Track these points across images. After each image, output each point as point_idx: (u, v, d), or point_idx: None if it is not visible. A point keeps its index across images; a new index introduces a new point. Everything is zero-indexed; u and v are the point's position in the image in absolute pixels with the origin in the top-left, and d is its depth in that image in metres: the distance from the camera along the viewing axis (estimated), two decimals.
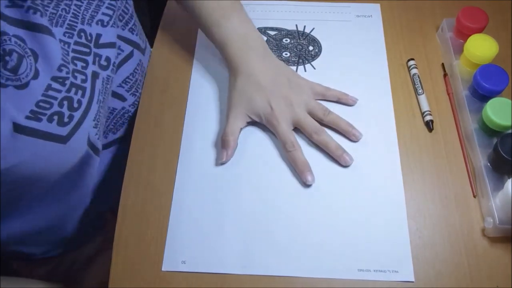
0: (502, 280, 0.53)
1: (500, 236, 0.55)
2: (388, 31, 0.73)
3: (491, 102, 0.59)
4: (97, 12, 0.57)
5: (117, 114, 0.66)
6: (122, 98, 0.66)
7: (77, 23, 0.54)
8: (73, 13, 0.53)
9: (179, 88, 0.68)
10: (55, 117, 0.49)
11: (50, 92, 0.48)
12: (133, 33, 0.66)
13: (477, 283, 0.53)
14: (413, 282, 0.53)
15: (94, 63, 0.55)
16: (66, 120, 0.50)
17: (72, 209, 0.65)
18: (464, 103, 0.63)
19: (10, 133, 0.45)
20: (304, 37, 0.73)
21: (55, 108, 0.48)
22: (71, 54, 0.53)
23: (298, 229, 0.56)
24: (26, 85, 0.46)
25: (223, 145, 0.61)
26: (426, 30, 0.73)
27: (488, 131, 0.60)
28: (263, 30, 0.73)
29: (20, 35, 0.46)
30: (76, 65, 0.52)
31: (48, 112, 0.48)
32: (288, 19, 0.75)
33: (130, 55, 0.66)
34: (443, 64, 0.70)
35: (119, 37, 0.63)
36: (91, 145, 0.57)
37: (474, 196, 0.59)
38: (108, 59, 0.58)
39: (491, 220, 0.55)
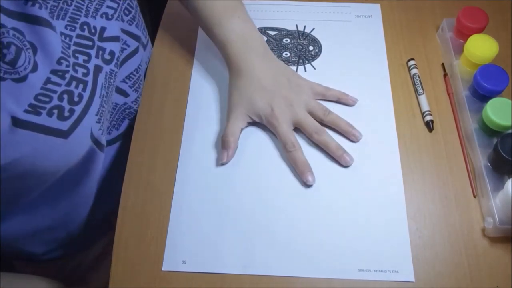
0: (502, 280, 0.53)
1: (500, 236, 0.55)
2: (388, 31, 0.73)
3: (491, 102, 0.59)
4: (102, 5, 0.57)
5: (119, 110, 0.66)
6: (125, 94, 0.66)
7: (80, 15, 0.54)
8: (75, 5, 0.53)
9: (180, 88, 0.68)
10: (55, 111, 0.48)
11: (50, 86, 0.48)
12: (138, 29, 0.66)
13: (477, 283, 0.53)
14: (413, 282, 0.53)
15: (97, 56, 0.55)
16: (66, 114, 0.49)
17: (76, 208, 0.65)
18: (464, 103, 0.63)
19: (8, 127, 0.44)
20: (304, 37, 0.73)
21: (55, 102, 0.48)
22: (73, 48, 0.52)
23: (298, 229, 0.56)
24: (24, 78, 0.45)
25: (223, 146, 0.61)
26: (426, 30, 0.73)
27: (488, 131, 0.60)
28: (263, 30, 0.73)
29: (19, 27, 0.45)
30: (77, 58, 0.52)
31: (48, 106, 0.48)
32: (288, 19, 0.75)
33: (135, 51, 0.66)
34: (443, 64, 0.70)
35: (126, 32, 0.63)
36: (95, 141, 0.57)
37: (474, 196, 0.59)
38: (112, 53, 0.57)
39: (491, 220, 0.55)
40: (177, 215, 0.57)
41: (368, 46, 0.71)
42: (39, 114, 0.47)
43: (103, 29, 0.56)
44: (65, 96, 0.49)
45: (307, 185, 0.59)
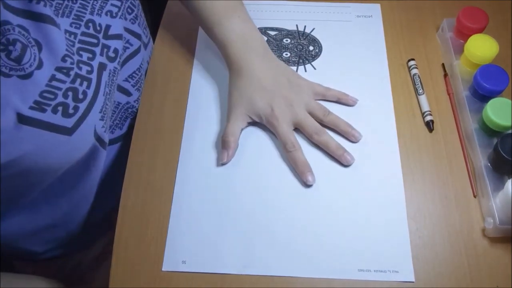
0: (502, 280, 0.53)
1: (500, 236, 0.55)
2: (389, 31, 0.73)
3: (492, 102, 0.59)
4: (106, 3, 0.57)
5: (121, 109, 0.67)
6: (128, 93, 0.67)
7: (85, 13, 0.54)
8: (80, 3, 0.53)
9: (180, 88, 0.68)
10: (60, 108, 0.48)
11: (54, 83, 0.48)
12: (140, 28, 0.66)
13: (477, 283, 0.53)
14: (413, 282, 0.53)
15: (101, 54, 0.55)
16: (71, 111, 0.49)
17: (76, 207, 0.65)
18: (464, 103, 0.63)
19: (14, 123, 0.44)
20: (304, 37, 0.73)
21: (60, 99, 0.48)
22: (77, 45, 0.52)
23: (298, 229, 0.56)
24: (30, 75, 0.46)
25: (223, 146, 0.61)
26: (426, 30, 0.73)
27: (489, 131, 0.60)
28: (263, 30, 0.73)
29: (24, 25, 0.45)
30: (81, 56, 0.52)
31: (53, 103, 0.48)
32: (288, 19, 0.75)
33: (138, 50, 0.66)
34: (443, 64, 0.70)
35: (129, 30, 0.63)
36: (98, 138, 0.57)
37: (475, 196, 0.59)
38: (116, 50, 0.58)
39: (491, 220, 0.55)
40: (177, 215, 0.57)
41: (368, 46, 0.71)
42: (44, 111, 0.47)
43: (108, 27, 0.57)
44: (70, 93, 0.49)
45: (307, 185, 0.59)
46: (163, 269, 0.54)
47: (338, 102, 0.66)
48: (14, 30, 0.44)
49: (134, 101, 0.68)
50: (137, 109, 0.68)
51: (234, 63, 0.63)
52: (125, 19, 0.62)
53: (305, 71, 0.69)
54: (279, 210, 0.58)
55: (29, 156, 0.47)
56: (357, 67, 0.69)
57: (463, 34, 0.67)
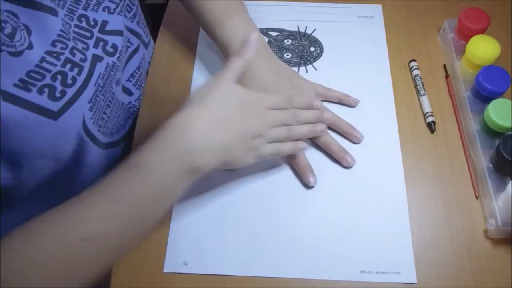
0: (504, 281, 0.53)
1: (502, 237, 0.55)
2: (390, 32, 0.73)
3: (493, 103, 0.59)
4: (103, 0, 0.58)
5: (124, 109, 0.67)
6: (129, 93, 0.67)
7: (77, 8, 0.55)
8: None
9: (181, 87, 0.68)
10: (46, 90, 0.48)
11: (44, 64, 0.48)
12: (140, 27, 0.66)
13: (479, 284, 0.53)
14: (415, 284, 0.53)
15: (96, 47, 0.56)
16: (58, 95, 0.50)
17: None
18: (466, 104, 0.63)
19: None
20: (305, 38, 0.73)
21: (47, 80, 0.49)
22: (72, 34, 0.53)
23: (300, 230, 0.56)
24: (20, 53, 0.46)
25: None
26: (428, 31, 0.73)
27: (490, 132, 0.60)
28: (264, 31, 0.73)
29: (13, 10, 0.46)
30: (76, 43, 0.53)
31: (39, 84, 0.48)
32: (289, 20, 0.75)
33: (137, 49, 0.67)
34: (445, 65, 0.69)
35: (129, 29, 0.63)
36: (87, 131, 0.56)
37: (476, 198, 0.59)
38: (114, 46, 0.58)
39: (493, 222, 0.54)
40: (179, 216, 0.57)
41: (370, 47, 0.71)
42: (29, 90, 0.47)
43: (105, 22, 0.58)
44: (59, 76, 0.50)
45: (308, 186, 0.59)
46: (164, 271, 0.54)
47: (339, 103, 0.65)
48: (3, 14, 0.45)
49: (135, 100, 0.68)
50: (138, 109, 0.68)
51: None
52: (125, 17, 0.62)
53: (306, 72, 0.69)
54: (281, 212, 0.58)
55: (14, 137, 0.47)
56: (358, 68, 0.69)
57: (465, 35, 0.67)
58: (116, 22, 0.59)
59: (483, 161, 0.58)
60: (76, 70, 0.52)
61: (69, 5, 0.54)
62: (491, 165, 0.58)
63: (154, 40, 0.74)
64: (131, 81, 0.66)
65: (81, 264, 0.46)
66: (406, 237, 0.56)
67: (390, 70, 0.69)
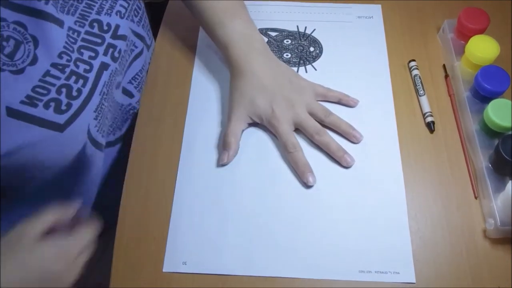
0: (503, 281, 0.53)
1: (501, 237, 0.55)
2: (389, 32, 0.73)
3: (493, 103, 0.59)
4: (116, 3, 0.58)
5: (123, 111, 0.67)
6: (130, 95, 0.67)
7: (90, 13, 0.55)
8: (86, 3, 0.54)
9: (181, 88, 0.68)
10: (52, 104, 0.49)
11: (48, 78, 0.49)
12: (144, 30, 0.67)
13: (478, 284, 0.53)
14: (414, 283, 0.53)
15: (105, 54, 0.56)
16: (63, 108, 0.50)
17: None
18: (465, 104, 0.63)
19: (3, 117, 0.45)
20: (305, 38, 0.73)
21: (53, 94, 0.49)
22: (80, 43, 0.53)
23: (299, 230, 0.56)
24: (22, 70, 0.46)
25: (224, 146, 0.61)
26: (427, 31, 0.73)
27: (490, 132, 0.60)
28: (264, 31, 0.73)
29: (22, 21, 0.46)
30: (82, 54, 0.53)
31: (45, 98, 0.48)
32: (289, 20, 0.75)
33: (141, 52, 0.67)
34: (444, 65, 0.69)
35: (135, 33, 0.64)
36: (92, 139, 0.57)
37: (476, 197, 0.59)
38: (120, 51, 0.59)
39: (492, 222, 0.54)
40: (178, 215, 0.57)
41: (369, 47, 0.71)
42: (35, 106, 0.47)
43: (117, 26, 0.58)
44: (64, 89, 0.50)
45: (307, 186, 0.59)
46: (163, 270, 0.54)
47: (339, 103, 0.65)
48: (9, 27, 0.45)
49: (136, 103, 0.68)
50: (137, 110, 0.68)
51: (235, 64, 0.63)
52: (132, 21, 0.62)
53: (306, 72, 0.69)
54: (280, 211, 0.58)
55: (20, 152, 0.47)
56: (358, 68, 0.69)
57: (464, 35, 0.67)
58: (124, 26, 0.59)
59: (482, 161, 0.58)
60: (81, 82, 0.52)
61: (82, 10, 0.54)
62: (490, 165, 0.58)
63: (154, 40, 0.75)
64: (132, 84, 0.66)
65: None
66: (405, 237, 0.56)
67: (390, 70, 0.69)
